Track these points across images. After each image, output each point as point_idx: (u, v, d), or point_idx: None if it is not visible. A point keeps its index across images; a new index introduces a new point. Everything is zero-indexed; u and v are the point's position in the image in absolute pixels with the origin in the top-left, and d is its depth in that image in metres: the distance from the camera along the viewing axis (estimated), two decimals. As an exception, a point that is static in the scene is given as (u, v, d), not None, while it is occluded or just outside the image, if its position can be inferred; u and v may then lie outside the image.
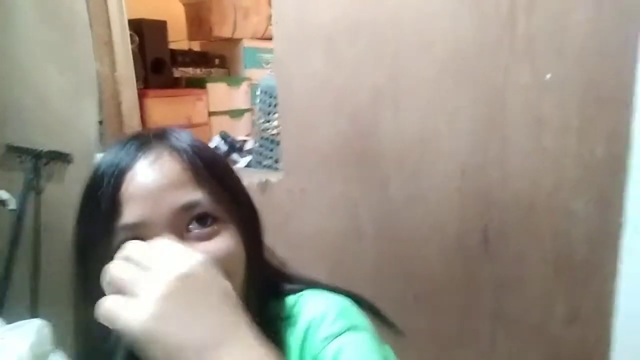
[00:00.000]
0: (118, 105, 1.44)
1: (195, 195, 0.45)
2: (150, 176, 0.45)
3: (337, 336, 0.46)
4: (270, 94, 1.28)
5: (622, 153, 0.77)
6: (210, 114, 2.74)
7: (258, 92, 1.31)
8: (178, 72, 2.67)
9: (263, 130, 1.32)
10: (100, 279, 0.35)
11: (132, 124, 1.47)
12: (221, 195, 0.47)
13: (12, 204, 1.68)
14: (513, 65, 0.83)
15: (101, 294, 0.35)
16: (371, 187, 1.03)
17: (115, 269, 0.34)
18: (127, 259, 0.34)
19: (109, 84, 1.41)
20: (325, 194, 1.07)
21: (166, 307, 0.32)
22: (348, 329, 0.47)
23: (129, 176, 0.45)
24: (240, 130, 2.84)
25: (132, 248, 0.35)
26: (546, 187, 0.83)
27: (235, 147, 1.50)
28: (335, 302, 0.50)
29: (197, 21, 2.72)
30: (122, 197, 0.44)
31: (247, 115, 2.95)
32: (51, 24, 1.44)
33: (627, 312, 0.80)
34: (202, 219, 0.45)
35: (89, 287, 0.43)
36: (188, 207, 0.45)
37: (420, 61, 0.91)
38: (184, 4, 2.71)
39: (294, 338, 0.49)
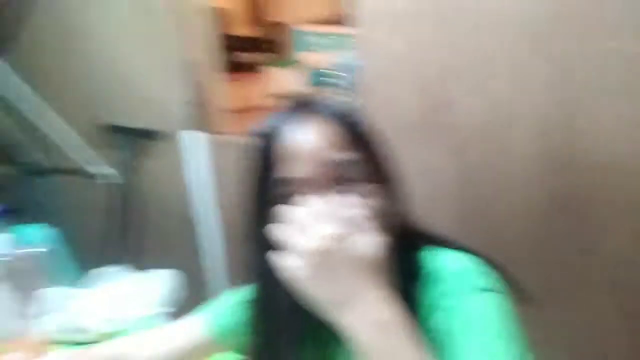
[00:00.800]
0: (204, 88, 1.59)
1: (347, 155, 0.52)
2: (307, 138, 0.52)
3: (481, 291, 0.51)
4: (347, 71, 1.40)
5: None
6: (266, 96, 2.88)
7: (338, 72, 1.43)
8: (234, 57, 2.81)
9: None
10: (264, 230, 0.46)
11: (220, 104, 1.63)
12: (368, 156, 0.54)
13: (117, 179, 1.85)
14: (587, 37, 0.91)
15: (263, 234, 0.47)
16: (450, 154, 1.15)
17: (281, 231, 0.44)
18: (290, 221, 0.44)
19: (197, 67, 1.57)
20: (406, 162, 1.19)
21: (316, 271, 0.42)
22: (489, 289, 0.51)
23: (290, 137, 0.52)
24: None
25: (292, 213, 0.44)
26: (627, 153, 0.92)
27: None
28: (475, 261, 0.55)
29: (254, 7, 2.85)
30: (283, 155, 0.52)
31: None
32: (143, 11, 1.60)
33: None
34: (351, 177, 0.52)
35: (255, 228, 0.55)
36: (340, 165, 0.51)
37: (494, 35, 1.01)
38: (240, -9, 2.85)
39: (429, 290, 0.53)
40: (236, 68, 2.83)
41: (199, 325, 0.71)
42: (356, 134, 0.54)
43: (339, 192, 0.50)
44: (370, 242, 0.45)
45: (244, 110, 2.69)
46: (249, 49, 2.92)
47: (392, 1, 1.12)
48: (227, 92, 2.67)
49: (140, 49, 1.64)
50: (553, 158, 1.01)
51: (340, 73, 1.43)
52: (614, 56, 0.90)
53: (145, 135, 1.72)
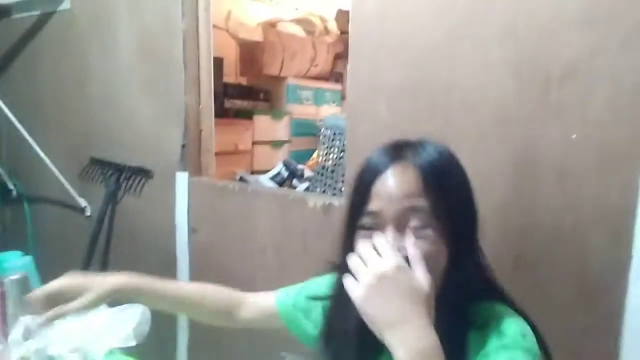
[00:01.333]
0: (199, 132, 1.68)
1: (419, 202, 0.61)
2: (392, 181, 0.62)
3: (515, 349, 0.57)
4: (333, 131, 1.52)
5: (632, 200, 0.98)
6: (254, 142, 2.99)
7: (322, 129, 1.55)
8: (228, 103, 2.94)
9: (323, 160, 1.55)
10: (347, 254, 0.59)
11: (208, 148, 1.71)
12: (439, 208, 0.60)
13: (88, 211, 1.92)
14: (546, 126, 1.05)
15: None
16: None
17: (352, 260, 0.58)
18: (359, 254, 0.58)
19: (193, 114, 1.67)
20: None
21: (370, 293, 0.54)
22: (524, 349, 0.57)
23: (381, 177, 0.63)
24: (278, 159, 3.09)
25: (362, 247, 0.58)
26: (568, 224, 1.03)
27: (295, 173, 1.73)
28: (523, 325, 0.61)
29: (250, 60, 3.01)
30: (372, 191, 0.63)
31: (285, 145, 3.20)
32: (149, 61, 1.72)
33: (634, 327, 0.99)
34: (420, 222, 0.61)
35: (343, 250, 0.67)
36: (411, 210, 0.61)
37: (468, 118, 1.14)
38: (239, 44, 3.02)
39: (476, 339, 0.60)
40: (228, 114, 2.96)
41: (275, 295, 0.90)
42: (431, 184, 0.62)
43: (409, 232, 0.61)
44: (421, 279, 0.55)
45: (231, 153, 2.79)
46: (243, 96, 3.06)
47: (381, 74, 1.25)
48: (216, 137, 2.78)
49: (139, 92, 1.74)
50: (513, 228, 1.11)
51: (327, 130, 1.53)
52: (569, 145, 1.03)
53: (137, 173, 1.79)
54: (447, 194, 0.62)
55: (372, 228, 0.63)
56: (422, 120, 1.21)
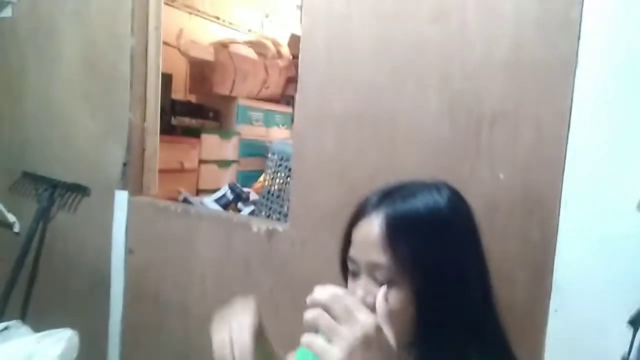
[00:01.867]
0: (142, 150, 1.65)
1: (379, 258, 0.58)
2: (365, 231, 0.60)
3: None
4: (280, 156, 1.54)
5: (552, 236, 1.06)
6: (201, 161, 2.95)
7: (270, 154, 1.56)
8: (175, 120, 2.89)
9: (269, 185, 1.56)
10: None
11: (151, 166, 1.67)
12: (400, 266, 0.56)
13: (17, 228, 1.81)
14: (476, 165, 1.12)
15: None
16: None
17: (316, 315, 0.49)
18: (326, 307, 0.49)
19: (138, 132, 1.63)
20: (323, 248, 1.30)
21: (351, 357, 0.46)
22: None
23: (359, 223, 0.62)
24: (226, 180, 3.05)
25: (330, 300, 0.49)
26: (495, 257, 1.10)
27: (241, 197, 1.72)
28: None
29: (200, 78, 2.99)
30: (352, 236, 0.62)
31: (233, 165, 3.17)
32: (92, 75, 1.67)
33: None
34: (381, 278, 0.57)
35: None
36: (372, 265, 0.58)
37: (409, 151, 1.19)
38: (189, 62, 2.99)
39: None
40: (175, 131, 2.90)
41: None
42: (392, 239, 0.57)
43: (375, 282, 0.58)
44: (391, 339, 0.51)
45: (177, 172, 2.72)
46: (192, 114, 3.02)
47: (328, 103, 1.29)
48: (162, 154, 2.71)
49: (80, 107, 1.68)
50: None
51: (274, 154, 1.55)
52: (497, 184, 1.11)
53: (72, 190, 1.71)
54: (413, 251, 0.57)
55: (354, 272, 0.61)
56: (367, 151, 1.25)
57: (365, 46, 1.23)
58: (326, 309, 0.50)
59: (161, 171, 2.56)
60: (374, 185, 1.16)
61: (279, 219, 1.48)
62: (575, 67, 1.02)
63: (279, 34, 3.44)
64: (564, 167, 1.03)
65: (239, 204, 1.68)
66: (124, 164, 1.61)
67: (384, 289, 0.57)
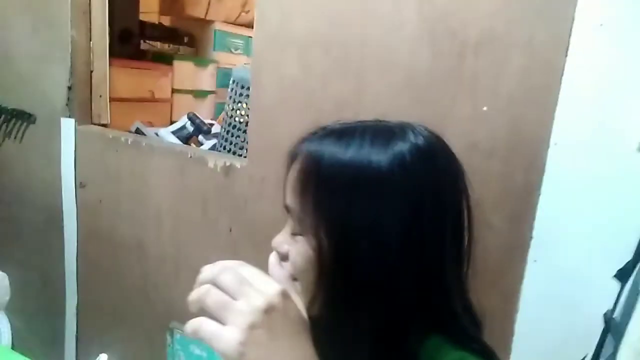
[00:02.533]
0: (89, 73, 1.46)
1: (290, 201, 0.51)
2: (291, 170, 0.52)
3: None
4: (241, 85, 1.36)
5: (536, 181, 0.93)
6: (174, 91, 2.75)
7: (230, 81, 1.39)
8: (145, 45, 2.65)
9: (230, 117, 1.40)
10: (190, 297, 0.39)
11: (101, 92, 1.50)
12: (306, 212, 0.48)
13: None
14: (457, 96, 0.97)
15: None
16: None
17: (202, 293, 0.38)
18: (215, 281, 0.39)
19: (82, 52, 1.44)
20: (282, 185, 1.17)
21: (252, 337, 0.36)
22: None
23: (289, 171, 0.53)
24: (202, 111, 2.87)
25: (219, 271, 0.39)
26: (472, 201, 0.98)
27: (202, 129, 1.56)
28: None
29: (172, -3, 2.71)
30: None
31: (210, 97, 2.98)
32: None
33: (529, 310, 0.97)
34: (293, 226, 0.51)
35: None
36: (286, 208, 0.52)
37: (380, 82, 1.03)
38: (159, -22, 2.70)
39: None
40: (145, 56, 2.67)
41: None
42: (303, 183, 0.49)
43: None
44: (298, 303, 0.40)
45: (147, 101, 2.54)
46: (164, 38, 2.77)
47: (291, 23, 1.11)
48: (130, 82, 2.50)
49: (23, 24, 1.47)
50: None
51: (235, 83, 1.38)
52: (479, 118, 0.96)
53: (17, 116, 1.54)
54: (318, 201, 0.48)
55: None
56: (335, 77, 1.09)
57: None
58: (216, 284, 0.39)
59: (129, 100, 2.37)
60: (340, 117, 1.00)
61: (241, 155, 1.34)
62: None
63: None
64: (557, 99, 0.88)
65: (201, 137, 1.53)
66: (69, 88, 1.43)
67: (275, 252, 0.49)
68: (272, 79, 1.15)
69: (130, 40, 2.46)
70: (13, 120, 1.55)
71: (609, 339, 0.85)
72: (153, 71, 2.60)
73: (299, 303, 0.41)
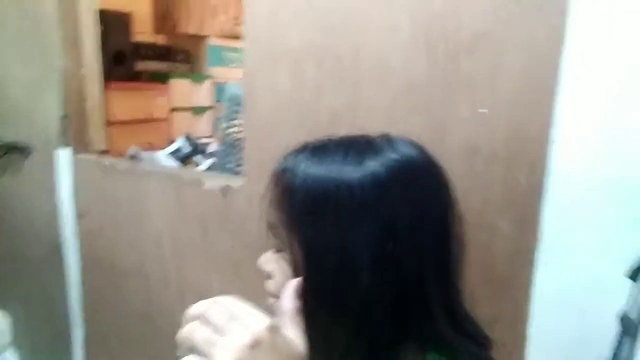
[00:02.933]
0: (83, 101, 1.45)
1: (270, 217, 0.52)
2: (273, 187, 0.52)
3: None
4: (235, 102, 1.35)
5: (541, 183, 0.90)
6: (172, 109, 2.75)
7: (224, 99, 1.37)
8: (141, 66, 2.65)
9: (227, 134, 1.38)
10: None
11: (96, 119, 1.49)
12: (283, 226, 0.49)
13: None
14: (455, 99, 0.94)
15: None
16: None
17: (189, 329, 0.38)
18: (201, 318, 0.38)
19: (74, 80, 1.43)
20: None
21: None
22: None
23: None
24: (202, 127, 2.87)
25: (208, 307, 0.39)
26: (476, 205, 0.95)
27: (198, 149, 1.55)
28: None
29: (163, 15, 2.72)
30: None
31: (209, 112, 2.97)
32: (18, 14, 1.43)
33: (541, 316, 0.94)
34: (276, 241, 0.52)
35: None
36: (268, 225, 0.53)
37: (376, 91, 1.01)
38: (151, -2, 2.71)
39: None
40: (141, 77, 2.67)
41: None
42: (284, 198, 0.50)
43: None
44: (294, 338, 0.40)
45: (145, 122, 2.54)
46: (158, 58, 2.78)
47: (282, 36, 1.09)
48: (126, 104, 2.50)
49: (15, 54, 1.47)
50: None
51: (228, 101, 1.36)
52: (478, 120, 0.93)
53: (10, 150, 1.53)
54: (292, 219, 0.48)
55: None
56: (329, 90, 1.07)
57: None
58: (203, 320, 0.38)
59: (126, 123, 2.37)
60: (335, 130, 0.98)
61: (235, 175, 1.32)
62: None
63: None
64: (556, 100, 0.85)
65: (197, 157, 1.52)
66: (63, 117, 1.42)
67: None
68: (264, 94, 1.13)
69: (124, 62, 2.46)
70: (6, 155, 1.54)
71: (627, 340, 0.82)
72: (150, 91, 2.61)
73: (294, 336, 0.40)
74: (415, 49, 0.97)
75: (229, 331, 0.37)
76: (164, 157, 1.50)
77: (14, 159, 1.53)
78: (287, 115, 1.12)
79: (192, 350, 0.38)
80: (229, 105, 1.35)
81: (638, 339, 0.79)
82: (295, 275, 0.48)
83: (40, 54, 1.44)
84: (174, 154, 1.51)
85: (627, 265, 0.84)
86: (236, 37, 3.04)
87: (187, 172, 1.37)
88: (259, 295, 0.51)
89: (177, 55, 2.88)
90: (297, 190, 0.48)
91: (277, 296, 0.48)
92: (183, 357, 0.38)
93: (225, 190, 1.21)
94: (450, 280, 0.52)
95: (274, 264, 0.52)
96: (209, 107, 2.99)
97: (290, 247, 0.48)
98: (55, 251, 1.52)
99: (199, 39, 2.92)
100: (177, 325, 1.37)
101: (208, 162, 1.46)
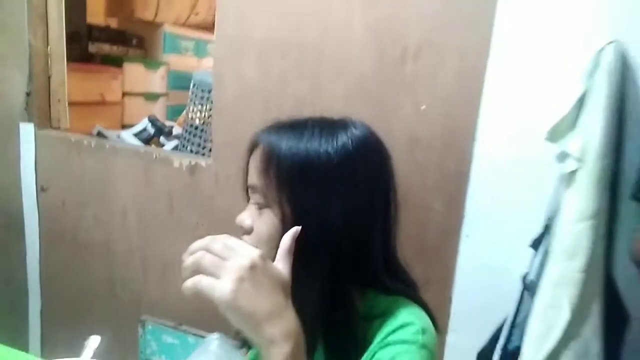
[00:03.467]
0: (47, 78, 1.49)
1: (256, 181, 0.61)
2: (253, 157, 0.62)
3: (408, 343, 0.58)
4: (201, 88, 1.45)
5: (467, 169, 1.09)
6: (125, 94, 2.74)
7: (191, 85, 1.47)
8: (93, 47, 2.63)
9: (191, 118, 1.48)
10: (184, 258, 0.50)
11: (59, 97, 1.52)
12: (270, 187, 0.59)
13: None
14: (400, 97, 1.11)
15: None
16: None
17: (197, 257, 0.49)
18: (207, 249, 0.49)
19: (40, 57, 1.46)
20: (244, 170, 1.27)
21: (240, 287, 0.46)
22: (420, 345, 0.58)
23: (251, 156, 0.62)
24: (154, 114, 2.88)
25: (209, 242, 0.50)
26: (415, 188, 1.13)
27: (162, 131, 1.63)
28: (422, 319, 0.61)
29: (119, 0, 2.71)
30: (248, 167, 0.63)
31: (162, 99, 2.99)
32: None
33: (464, 278, 1.14)
34: (258, 201, 0.61)
35: None
36: (251, 187, 0.62)
37: (335, 82, 1.16)
38: (106, -20, 2.69)
39: (377, 328, 0.60)
40: (94, 59, 2.65)
41: None
42: (267, 166, 0.59)
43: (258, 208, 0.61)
44: (280, 267, 0.52)
45: (97, 104, 2.52)
46: (112, 41, 2.75)
47: (249, 28, 1.21)
48: (79, 85, 2.48)
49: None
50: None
51: (195, 86, 1.46)
52: (419, 115, 1.11)
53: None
54: (282, 175, 0.59)
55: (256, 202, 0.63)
56: (292, 80, 1.20)
57: (288, -34, 1.14)
58: (207, 250, 0.49)
59: (79, 104, 2.36)
60: (299, 115, 1.12)
61: (203, 154, 1.42)
62: (497, -3, 1.01)
63: (208, -47, 3.14)
64: (481, 100, 1.05)
65: (162, 139, 1.59)
66: (27, 94, 1.45)
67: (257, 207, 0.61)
68: (233, 81, 1.25)
69: (78, 43, 2.44)
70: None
71: (527, 296, 1.03)
72: (103, 74, 2.59)
73: (280, 267, 0.53)
74: (367, 51, 1.13)
75: (229, 257, 0.48)
76: (129, 137, 1.56)
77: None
78: (254, 102, 1.24)
79: (197, 272, 0.49)
80: (195, 91, 1.45)
81: (535, 295, 1.00)
82: (282, 223, 0.58)
83: (4, 30, 1.46)
84: (138, 134, 1.58)
85: (530, 237, 1.05)
86: (191, 26, 3.07)
87: (156, 150, 1.45)
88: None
89: (130, 39, 2.87)
90: (285, 158, 0.59)
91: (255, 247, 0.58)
92: (188, 279, 0.49)
93: (193, 169, 1.32)
94: (390, 235, 0.67)
95: (254, 220, 0.63)
96: (162, 94, 3.00)
97: (279, 201, 0.59)
98: (14, 223, 1.54)
99: (154, 25, 2.92)
100: (140, 294, 1.48)
101: (171, 144, 1.55)
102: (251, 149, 0.63)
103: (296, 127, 0.62)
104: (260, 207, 0.61)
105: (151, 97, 2.89)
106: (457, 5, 1.05)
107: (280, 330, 0.48)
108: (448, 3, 1.05)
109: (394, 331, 0.59)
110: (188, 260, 0.50)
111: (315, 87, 1.19)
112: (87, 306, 1.52)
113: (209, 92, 1.40)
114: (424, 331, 0.59)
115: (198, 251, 0.50)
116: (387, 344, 0.58)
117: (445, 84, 1.08)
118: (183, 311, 1.36)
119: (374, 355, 0.59)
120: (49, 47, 1.48)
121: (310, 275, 0.59)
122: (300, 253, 0.56)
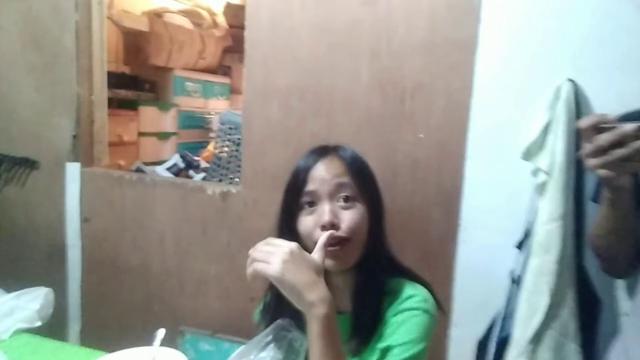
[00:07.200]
0: (91, 123, 1.71)
1: (345, 179, 0.81)
2: (323, 168, 0.82)
3: (414, 309, 0.78)
4: (228, 126, 1.67)
5: (460, 186, 1.32)
6: (140, 134, 2.96)
7: (219, 122, 1.69)
8: (110, 93, 2.86)
9: (219, 152, 1.70)
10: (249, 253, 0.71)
11: (101, 138, 1.74)
12: (361, 185, 0.81)
13: None
14: (401, 128, 1.35)
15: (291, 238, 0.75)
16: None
17: (260, 247, 0.70)
18: (266, 243, 0.71)
19: (86, 104, 1.68)
20: (272, 205, 1.47)
21: (285, 266, 0.66)
22: (424, 310, 0.78)
23: (314, 166, 0.82)
24: (166, 151, 3.10)
25: (267, 241, 0.71)
26: (417, 202, 1.35)
27: (192, 164, 1.84)
28: (424, 292, 0.82)
29: (135, 49, 2.96)
30: (308, 178, 0.81)
31: (173, 137, 3.21)
32: (35, 49, 1.68)
33: (461, 279, 1.34)
34: (347, 196, 0.80)
35: (283, 230, 0.84)
36: (340, 185, 0.80)
37: (345, 120, 1.39)
38: (122, 33, 2.95)
39: (387, 305, 0.80)
40: (111, 104, 2.88)
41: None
42: (353, 167, 0.83)
43: (336, 203, 0.80)
44: (316, 257, 0.72)
45: (116, 145, 2.73)
46: (127, 86, 2.99)
47: (273, 78, 1.44)
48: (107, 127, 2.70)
49: (24, 81, 1.70)
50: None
51: (223, 124, 1.68)
52: (418, 143, 1.34)
53: (20, 164, 1.73)
54: (365, 177, 0.84)
55: (311, 204, 0.81)
56: (309, 118, 1.44)
57: (305, 25, 1.39)
58: (258, 249, 0.72)
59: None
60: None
61: (230, 183, 1.63)
62: (477, 46, 1.26)
63: (213, 2, 3.44)
64: (468, 128, 1.29)
65: (190, 172, 1.80)
66: (74, 137, 1.66)
67: (344, 200, 0.81)
68: (259, 121, 1.48)
69: (99, 90, 2.68)
70: (16, 167, 1.74)
71: (515, 289, 1.23)
72: (121, 117, 2.81)
73: (315, 256, 0.73)
74: (372, 92, 1.37)
75: (275, 249, 0.69)
76: (162, 171, 1.77)
77: (22, 172, 1.73)
78: (277, 138, 1.47)
79: (254, 262, 0.71)
80: (222, 127, 1.67)
81: (520, 287, 1.20)
82: (371, 214, 0.82)
83: (54, 83, 1.68)
84: (170, 168, 1.79)
85: (515, 239, 1.26)
86: (199, 70, 3.33)
87: (191, 181, 1.66)
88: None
89: (143, 84, 3.11)
90: (360, 166, 0.85)
91: (348, 238, 0.78)
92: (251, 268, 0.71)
93: (225, 195, 1.53)
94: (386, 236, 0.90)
95: (338, 216, 0.79)
96: (173, 133, 3.22)
97: (369, 197, 0.83)
98: (59, 252, 1.71)
99: (165, 70, 3.17)
100: (177, 308, 1.67)
101: (199, 176, 1.75)
102: (308, 168, 0.83)
103: (333, 145, 0.88)
104: (348, 200, 0.80)
105: (164, 136, 3.12)
106: (442, 56, 1.30)
107: (317, 296, 0.67)
108: (435, 56, 1.30)
109: (402, 302, 0.79)
110: (249, 256, 0.72)
111: (330, 124, 1.42)
112: (125, 323, 1.68)
113: (235, 129, 1.62)
114: (426, 300, 0.79)
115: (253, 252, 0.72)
116: (397, 312, 0.79)
117: (438, 116, 1.32)
118: (217, 320, 1.53)
119: (387, 322, 0.80)
120: (92, 96, 1.70)
121: (381, 258, 0.84)
122: (379, 237, 0.83)
